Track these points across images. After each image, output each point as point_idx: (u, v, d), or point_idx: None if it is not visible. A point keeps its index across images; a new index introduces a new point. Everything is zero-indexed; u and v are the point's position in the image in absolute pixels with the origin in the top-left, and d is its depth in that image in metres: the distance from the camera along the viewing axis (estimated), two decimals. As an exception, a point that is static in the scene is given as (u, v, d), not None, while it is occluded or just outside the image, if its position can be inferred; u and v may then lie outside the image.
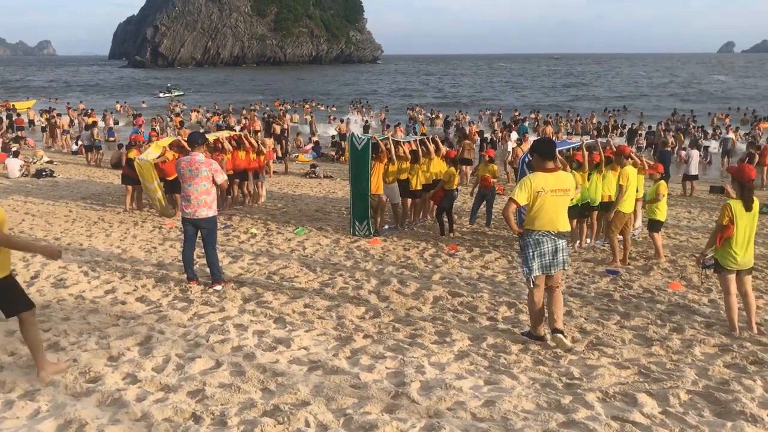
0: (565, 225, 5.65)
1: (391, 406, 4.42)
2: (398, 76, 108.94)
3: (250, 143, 13.36)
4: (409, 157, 11.35)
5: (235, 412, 4.29)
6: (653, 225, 9.29)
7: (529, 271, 5.61)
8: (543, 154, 5.64)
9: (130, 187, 12.85)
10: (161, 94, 62.24)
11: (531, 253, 5.57)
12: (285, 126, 26.29)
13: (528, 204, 5.56)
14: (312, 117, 35.22)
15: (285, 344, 5.65)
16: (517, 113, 37.25)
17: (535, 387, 4.79)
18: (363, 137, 10.65)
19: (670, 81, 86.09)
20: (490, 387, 4.79)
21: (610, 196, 9.76)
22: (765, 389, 4.75)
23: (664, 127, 29.07)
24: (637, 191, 9.76)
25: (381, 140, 11.00)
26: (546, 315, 5.79)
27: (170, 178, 11.92)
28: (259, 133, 18.90)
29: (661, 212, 9.30)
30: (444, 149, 12.09)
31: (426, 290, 7.49)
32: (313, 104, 47.77)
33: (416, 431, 4.03)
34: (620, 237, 9.20)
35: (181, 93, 64.13)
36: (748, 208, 5.93)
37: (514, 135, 22.35)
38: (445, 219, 11.01)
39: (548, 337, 5.70)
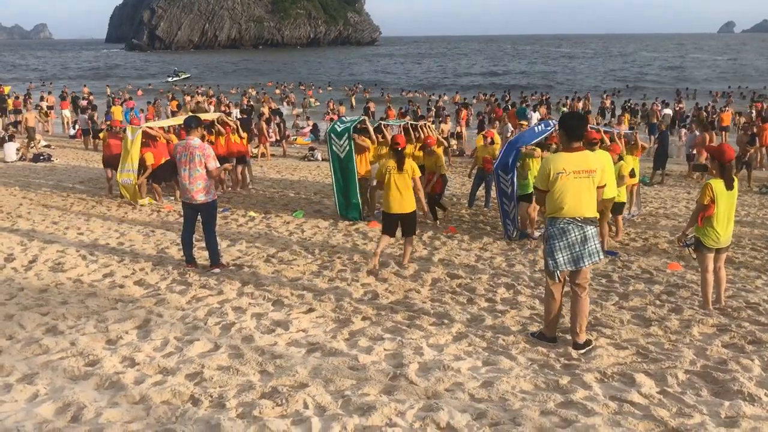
0: (591, 210, 5.01)
1: (390, 387, 4.43)
2: (397, 59, 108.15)
3: (228, 125, 12.97)
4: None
5: (233, 394, 4.30)
6: (616, 208, 9.02)
7: (555, 265, 4.99)
8: (569, 131, 5.01)
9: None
10: (169, 78, 62.16)
11: (557, 244, 4.97)
12: (272, 106, 26.17)
13: (549, 188, 4.99)
14: (294, 100, 35.33)
15: (283, 327, 5.65)
16: (522, 94, 36.91)
17: (533, 368, 4.79)
18: (343, 125, 10.52)
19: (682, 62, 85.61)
20: (489, 368, 4.79)
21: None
22: (763, 369, 4.76)
23: (660, 107, 28.79)
24: (633, 175, 9.70)
25: (357, 123, 10.81)
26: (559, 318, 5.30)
27: (155, 167, 12.05)
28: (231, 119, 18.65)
29: (621, 194, 9.16)
30: (432, 135, 11.75)
31: (424, 272, 7.49)
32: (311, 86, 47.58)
33: (414, 412, 4.04)
34: None
35: (188, 75, 64.48)
36: (729, 187, 5.93)
37: (537, 114, 22.11)
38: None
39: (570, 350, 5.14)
